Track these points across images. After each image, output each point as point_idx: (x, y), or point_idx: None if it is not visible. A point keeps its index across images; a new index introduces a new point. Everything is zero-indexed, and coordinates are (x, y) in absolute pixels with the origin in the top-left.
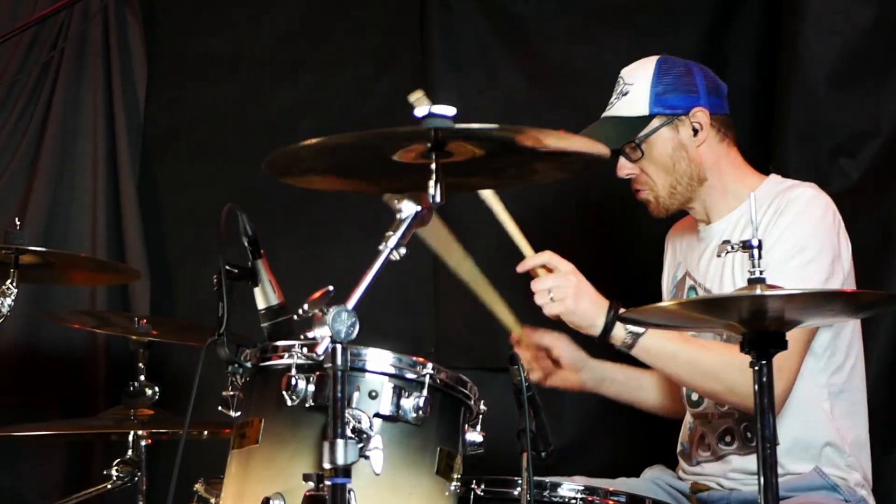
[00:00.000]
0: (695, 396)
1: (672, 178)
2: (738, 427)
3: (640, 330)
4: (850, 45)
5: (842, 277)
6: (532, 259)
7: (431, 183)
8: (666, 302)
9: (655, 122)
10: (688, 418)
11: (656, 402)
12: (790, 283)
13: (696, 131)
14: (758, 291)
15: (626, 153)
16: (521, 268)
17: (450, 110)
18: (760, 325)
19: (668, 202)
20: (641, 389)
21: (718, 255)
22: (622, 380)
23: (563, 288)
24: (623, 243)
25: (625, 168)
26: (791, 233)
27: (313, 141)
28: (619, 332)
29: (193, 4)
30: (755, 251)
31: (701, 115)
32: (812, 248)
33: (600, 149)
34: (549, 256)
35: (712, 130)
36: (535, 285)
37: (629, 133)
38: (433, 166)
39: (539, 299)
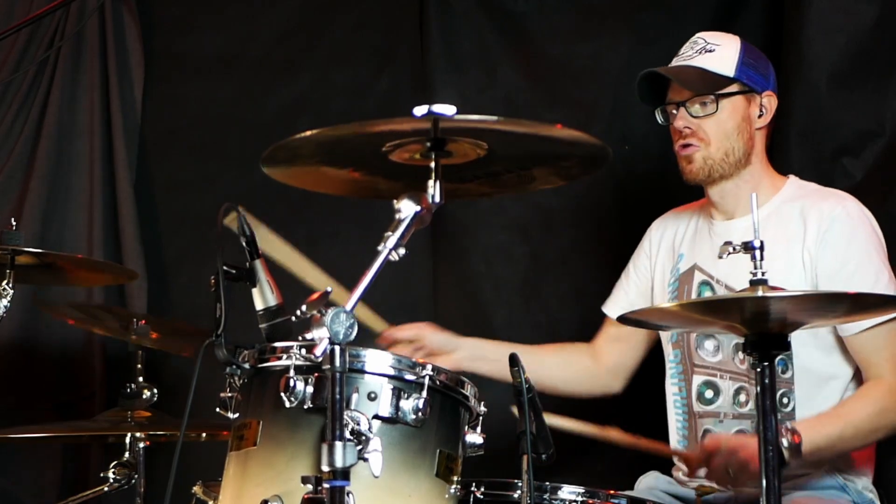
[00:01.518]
0: (708, 394)
1: (728, 146)
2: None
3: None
4: (853, 43)
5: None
6: (697, 465)
7: (431, 182)
8: (667, 303)
9: (735, 87)
10: (678, 417)
11: (554, 382)
12: (881, 285)
13: (762, 113)
14: (760, 293)
15: (689, 106)
16: (691, 475)
17: (450, 109)
18: (763, 326)
19: (715, 166)
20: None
21: (720, 257)
22: (496, 357)
23: (735, 462)
24: (623, 244)
25: (685, 120)
26: (858, 245)
27: (311, 132)
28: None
29: (191, 3)
30: (757, 252)
31: (770, 100)
32: (877, 248)
33: (600, 156)
34: (704, 453)
35: (769, 120)
36: (713, 472)
37: (712, 86)
38: (433, 164)
39: (722, 482)
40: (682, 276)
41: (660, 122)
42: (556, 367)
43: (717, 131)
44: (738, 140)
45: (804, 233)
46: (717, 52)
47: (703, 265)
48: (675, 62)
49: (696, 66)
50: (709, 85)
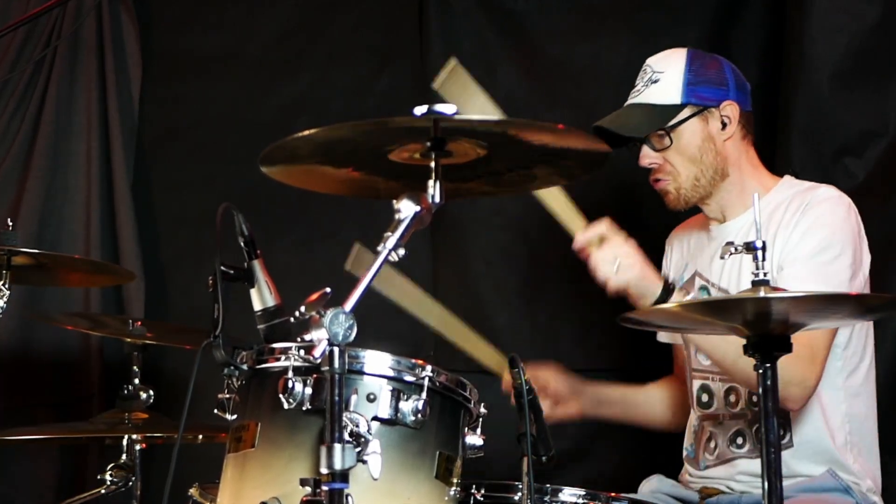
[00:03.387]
0: (704, 398)
1: (697, 170)
2: (751, 429)
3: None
4: (856, 43)
5: (862, 279)
6: (590, 234)
7: (431, 182)
8: (669, 303)
9: (686, 112)
10: (693, 421)
11: (660, 417)
12: (812, 280)
13: (724, 125)
14: (762, 294)
15: (650, 142)
16: (579, 242)
17: (450, 108)
18: (765, 327)
19: (689, 194)
20: (639, 407)
21: (722, 257)
22: (618, 399)
23: (630, 256)
24: None
25: (648, 157)
26: (816, 231)
27: (310, 132)
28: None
29: (189, 2)
30: (759, 252)
31: (731, 108)
32: (836, 247)
33: (600, 146)
34: (607, 226)
35: (738, 126)
36: (599, 254)
37: (659, 121)
38: (433, 164)
39: (603, 270)
40: (686, 283)
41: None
42: (659, 402)
43: (680, 160)
44: (703, 162)
45: (779, 227)
46: (661, 80)
47: (702, 271)
48: (629, 98)
49: (642, 102)
50: (656, 120)
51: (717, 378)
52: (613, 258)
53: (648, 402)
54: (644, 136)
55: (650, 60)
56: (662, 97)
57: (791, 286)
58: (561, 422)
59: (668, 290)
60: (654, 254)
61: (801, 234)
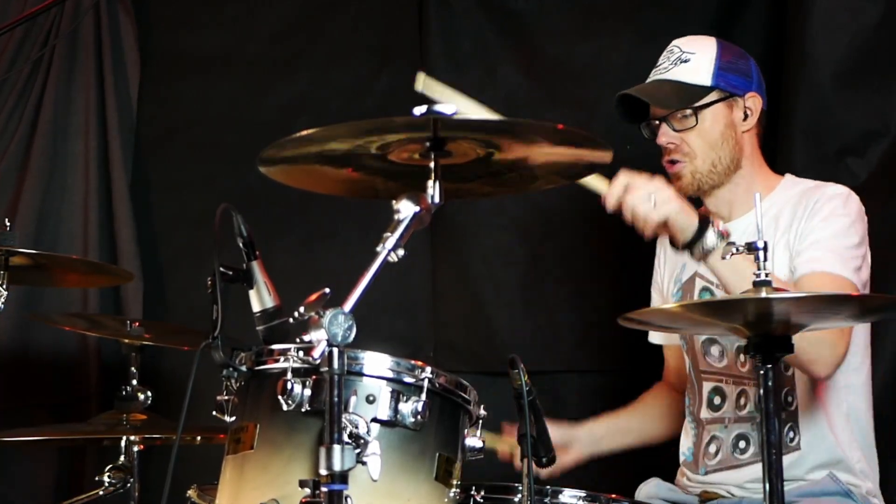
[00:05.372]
0: (717, 400)
1: (715, 156)
2: (757, 433)
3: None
4: (858, 42)
5: (867, 273)
6: (616, 187)
7: (430, 182)
8: (669, 304)
9: (714, 95)
10: (690, 427)
11: (656, 433)
12: (829, 262)
13: (746, 115)
14: (763, 294)
15: (671, 122)
16: (610, 203)
17: (450, 108)
18: (766, 328)
19: (704, 179)
20: (631, 432)
21: (723, 258)
22: (610, 431)
23: (664, 190)
24: (624, 245)
25: (667, 136)
26: (836, 219)
27: (309, 132)
28: (711, 239)
29: (188, 1)
30: (760, 253)
31: (754, 100)
32: (854, 236)
33: (602, 154)
34: (627, 176)
35: (756, 120)
36: (632, 196)
37: (688, 99)
38: (432, 165)
39: (642, 209)
40: (685, 284)
41: (646, 136)
42: (653, 418)
43: (700, 143)
44: (723, 149)
45: (791, 220)
46: (693, 61)
47: (703, 272)
48: (653, 75)
49: (671, 79)
50: (685, 98)
51: (730, 381)
52: (647, 195)
53: (640, 423)
54: (672, 110)
55: (678, 42)
56: (692, 77)
57: (810, 268)
58: (569, 470)
59: (703, 223)
60: (650, 254)
61: (821, 219)
